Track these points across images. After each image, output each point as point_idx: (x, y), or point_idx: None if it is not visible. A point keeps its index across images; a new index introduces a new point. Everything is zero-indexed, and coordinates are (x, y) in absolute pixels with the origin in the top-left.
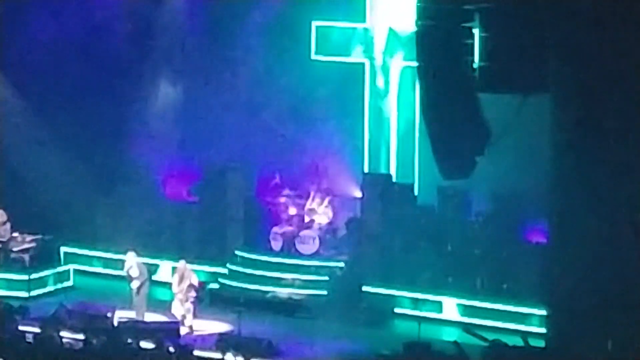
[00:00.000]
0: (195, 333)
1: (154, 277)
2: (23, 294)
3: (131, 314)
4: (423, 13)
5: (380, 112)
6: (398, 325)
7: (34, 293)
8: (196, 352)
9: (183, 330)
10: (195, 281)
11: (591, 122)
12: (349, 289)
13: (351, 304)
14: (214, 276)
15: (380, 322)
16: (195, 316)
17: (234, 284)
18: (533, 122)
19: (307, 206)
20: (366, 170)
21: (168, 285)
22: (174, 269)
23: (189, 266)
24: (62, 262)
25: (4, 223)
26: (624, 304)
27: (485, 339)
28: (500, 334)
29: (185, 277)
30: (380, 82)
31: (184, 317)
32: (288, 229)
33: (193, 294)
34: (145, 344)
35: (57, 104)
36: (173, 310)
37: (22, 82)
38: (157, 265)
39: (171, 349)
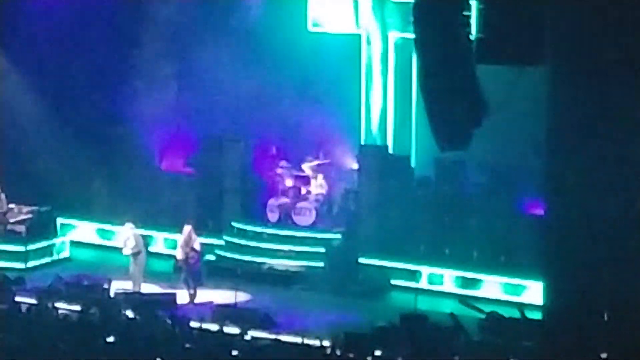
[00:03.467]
0: (192, 303)
1: (150, 249)
2: (20, 265)
3: (128, 285)
4: None
5: (377, 83)
6: (394, 297)
7: (30, 264)
8: (192, 324)
9: (180, 301)
10: (197, 246)
11: (589, 93)
12: (345, 261)
13: (348, 276)
14: (211, 248)
15: (377, 294)
16: (196, 282)
17: (231, 255)
18: (530, 94)
19: (304, 178)
20: (363, 142)
21: (165, 256)
22: (170, 240)
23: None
24: (58, 234)
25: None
26: (621, 276)
27: (481, 311)
28: (497, 306)
29: (190, 242)
30: (377, 53)
31: (187, 285)
32: (284, 200)
33: (193, 259)
34: (142, 315)
35: (54, 76)
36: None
37: (18, 55)
38: (152, 237)
39: (168, 320)
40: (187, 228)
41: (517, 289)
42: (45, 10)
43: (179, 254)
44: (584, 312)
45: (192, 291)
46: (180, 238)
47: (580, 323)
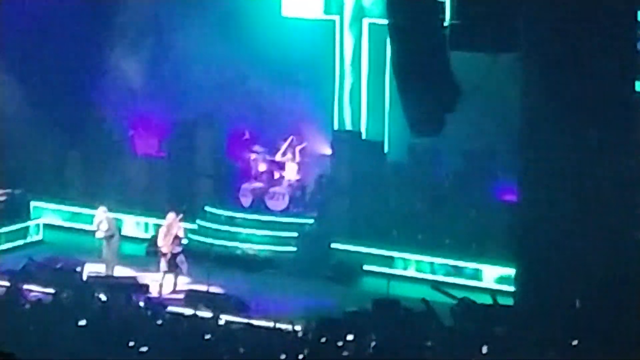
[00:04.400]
0: (166, 289)
1: (123, 232)
2: None
3: (101, 269)
4: None
5: (350, 69)
6: (367, 283)
7: (3, 247)
8: (165, 308)
9: (152, 285)
10: (181, 233)
11: (562, 80)
12: (318, 246)
13: (320, 261)
14: (184, 232)
15: (349, 279)
16: (178, 272)
17: (204, 239)
18: (503, 80)
19: (277, 163)
20: (336, 127)
21: (137, 240)
22: (144, 224)
23: (178, 219)
24: (31, 217)
25: None
26: (592, 262)
27: (453, 297)
28: (469, 292)
29: (172, 229)
30: (350, 39)
31: (166, 272)
32: (258, 185)
33: (178, 248)
34: (115, 299)
35: (28, 60)
36: (161, 267)
37: None
38: (123, 220)
39: (141, 304)
40: (171, 215)
41: (489, 275)
42: None
43: (160, 240)
44: (555, 299)
45: (173, 278)
46: (163, 225)
47: (551, 309)
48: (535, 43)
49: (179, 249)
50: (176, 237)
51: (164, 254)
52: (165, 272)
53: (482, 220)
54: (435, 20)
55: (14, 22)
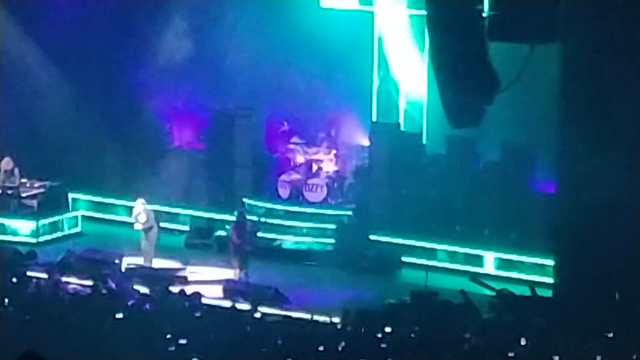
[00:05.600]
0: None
1: (162, 224)
2: (31, 240)
3: (139, 261)
4: None
5: (389, 60)
6: (405, 274)
7: (42, 239)
8: (203, 300)
9: (190, 277)
10: (249, 227)
11: (601, 70)
12: (356, 238)
13: (358, 253)
14: (222, 224)
15: (388, 271)
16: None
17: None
18: (542, 71)
19: (315, 154)
20: (374, 119)
21: (176, 232)
22: (183, 215)
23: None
24: (70, 209)
25: (12, 169)
26: (631, 254)
27: (492, 289)
28: (508, 283)
29: (243, 227)
30: (389, 30)
31: (239, 267)
32: (296, 177)
33: (243, 240)
34: (153, 290)
35: (67, 50)
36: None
37: (31, 26)
38: (164, 212)
39: (179, 296)
40: (238, 212)
41: (528, 267)
42: None
43: (232, 235)
44: (594, 290)
45: (237, 270)
46: (231, 227)
47: (590, 301)
48: (574, 33)
49: (249, 244)
50: (247, 233)
51: (235, 249)
52: (232, 264)
53: (521, 212)
54: (473, 11)
55: (52, 14)
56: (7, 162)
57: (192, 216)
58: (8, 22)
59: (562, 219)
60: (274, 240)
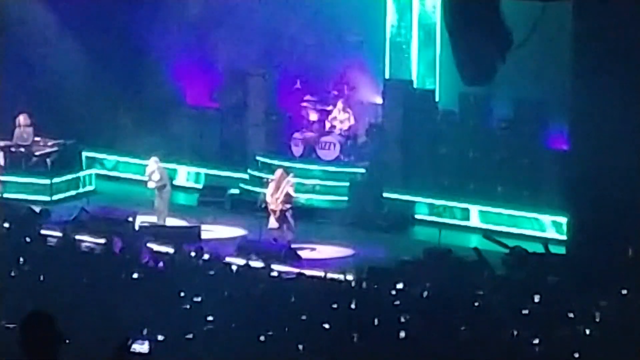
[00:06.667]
0: (216, 238)
1: (174, 182)
2: (45, 198)
3: (152, 219)
4: None
5: (401, 17)
6: (418, 232)
7: (55, 197)
8: (217, 258)
9: (204, 235)
10: (292, 192)
11: (613, 27)
12: (369, 195)
13: (372, 210)
14: (235, 182)
15: (401, 228)
16: (287, 230)
17: (255, 189)
18: (554, 28)
19: (328, 112)
20: (387, 76)
21: (189, 190)
22: (195, 173)
23: (289, 177)
24: (83, 167)
25: (28, 127)
26: None
27: (505, 246)
28: (521, 240)
29: (282, 187)
30: None
31: (279, 228)
32: (309, 134)
33: (288, 206)
34: (166, 248)
35: (80, 9)
36: (270, 225)
37: None
38: (176, 170)
39: (192, 254)
40: (279, 172)
41: (541, 224)
42: None
43: (269, 197)
44: (607, 247)
45: (289, 236)
46: (271, 182)
47: (604, 258)
48: None
49: (288, 206)
50: (287, 194)
51: (274, 211)
52: (274, 229)
53: (535, 169)
54: None
55: None
56: (25, 118)
57: (205, 174)
58: None
59: (576, 176)
60: None
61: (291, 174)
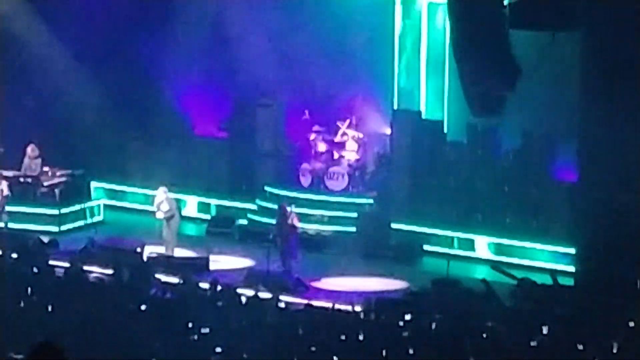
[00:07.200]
0: (224, 269)
1: (183, 213)
2: (53, 228)
3: (160, 249)
4: None
5: (410, 48)
6: (427, 263)
7: (64, 227)
8: (225, 289)
9: (212, 266)
10: (296, 222)
11: (621, 59)
12: (377, 226)
13: (380, 241)
14: (243, 212)
15: (409, 259)
16: (290, 257)
17: (263, 219)
18: (563, 60)
19: (337, 143)
20: (396, 106)
21: (197, 220)
22: (204, 204)
23: (293, 208)
24: (92, 197)
25: (36, 157)
26: None
27: (513, 277)
28: (529, 272)
29: (287, 217)
30: (410, 18)
31: (284, 258)
32: (317, 165)
33: (294, 236)
34: (174, 279)
35: (89, 40)
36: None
37: (52, 15)
38: (185, 201)
39: (200, 285)
40: (284, 205)
41: (550, 255)
42: None
43: (276, 229)
44: (615, 279)
45: (286, 265)
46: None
47: (611, 290)
48: (594, 22)
49: (293, 237)
50: (292, 226)
51: (280, 242)
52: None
53: (542, 200)
54: None
55: (73, 4)
56: (33, 149)
57: (213, 205)
58: (30, 13)
59: (584, 207)
60: None
61: (292, 205)
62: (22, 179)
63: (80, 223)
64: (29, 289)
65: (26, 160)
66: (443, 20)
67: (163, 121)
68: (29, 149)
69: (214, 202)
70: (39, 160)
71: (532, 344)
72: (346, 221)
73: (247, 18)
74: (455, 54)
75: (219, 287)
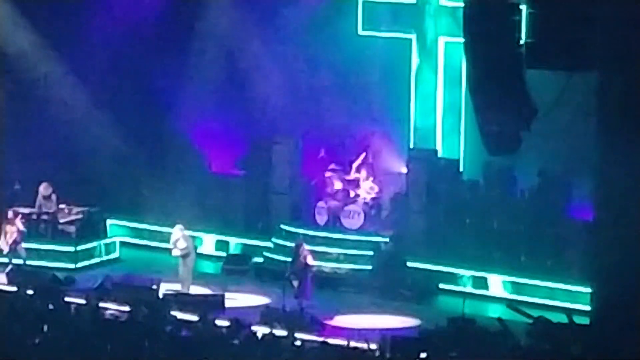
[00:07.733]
0: (240, 306)
1: (199, 250)
2: (69, 265)
3: (177, 287)
4: None
5: (426, 87)
6: (442, 301)
7: (80, 265)
8: (241, 326)
9: (228, 303)
10: (311, 262)
11: (638, 98)
12: (393, 264)
13: (396, 279)
14: (259, 250)
15: (425, 298)
16: (302, 295)
17: (279, 258)
18: (579, 99)
19: (353, 181)
20: (412, 145)
21: (213, 258)
22: (222, 242)
23: (307, 246)
24: (108, 234)
25: (50, 195)
26: None
27: (529, 316)
28: (545, 311)
29: (301, 256)
30: (426, 57)
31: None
32: (333, 203)
33: (308, 274)
34: (190, 317)
35: (104, 77)
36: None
37: (68, 54)
38: (201, 239)
39: (217, 322)
40: (300, 241)
41: (566, 294)
42: (97, 12)
43: (291, 266)
44: (632, 319)
45: (301, 304)
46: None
47: (627, 329)
48: (611, 61)
49: (307, 276)
50: (306, 264)
51: (291, 280)
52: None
53: (558, 239)
54: (511, 38)
55: (89, 37)
56: (45, 187)
57: (229, 242)
58: (46, 49)
59: (600, 246)
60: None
61: (302, 244)
62: (38, 216)
63: (97, 260)
64: (45, 326)
65: (39, 198)
66: (459, 58)
67: (179, 158)
68: (41, 188)
69: (229, 239)
70: (54, 197)
71: None
72: (362, 259)
73: (264, 56)
74: (472, 92)
75: (234, 325)
